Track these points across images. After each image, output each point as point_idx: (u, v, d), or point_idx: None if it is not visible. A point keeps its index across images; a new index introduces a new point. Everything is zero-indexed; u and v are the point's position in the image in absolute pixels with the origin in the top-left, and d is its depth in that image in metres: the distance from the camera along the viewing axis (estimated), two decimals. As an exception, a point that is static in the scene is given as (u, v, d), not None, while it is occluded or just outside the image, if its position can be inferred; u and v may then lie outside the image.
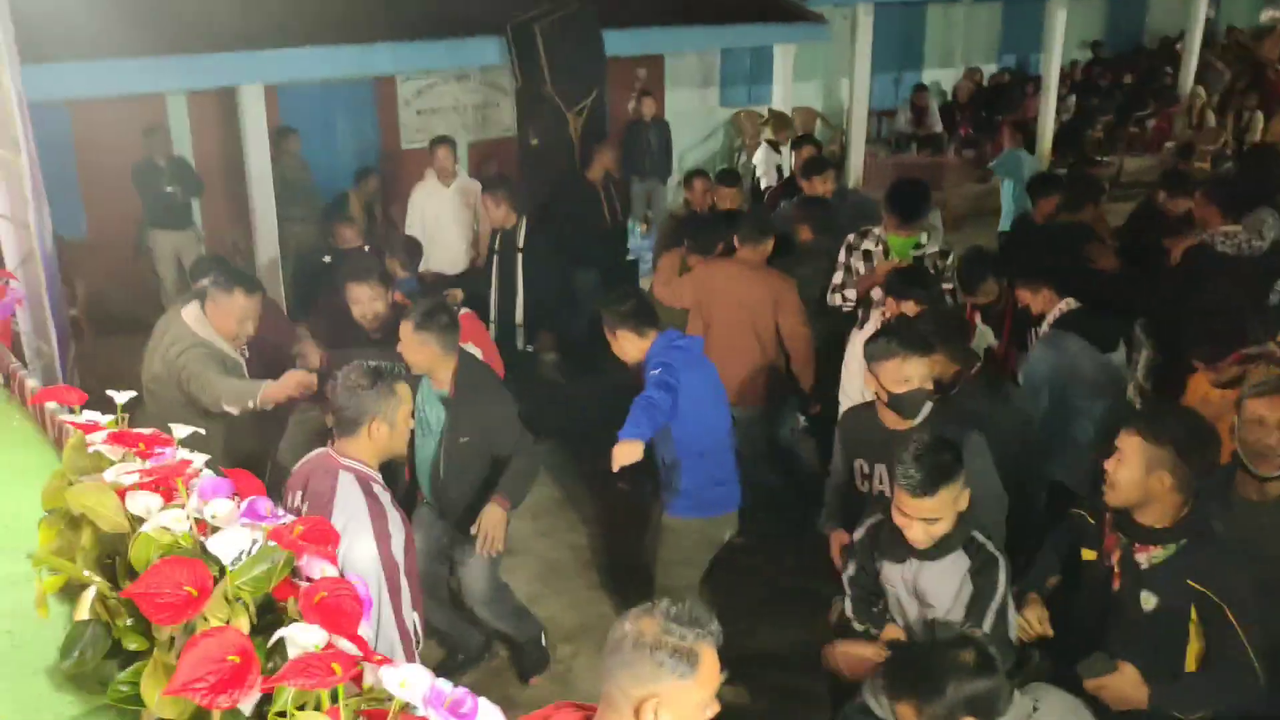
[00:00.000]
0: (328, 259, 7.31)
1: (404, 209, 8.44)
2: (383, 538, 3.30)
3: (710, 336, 5.60)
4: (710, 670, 2.18)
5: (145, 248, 9.18)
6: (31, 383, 3.53)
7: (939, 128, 14.62)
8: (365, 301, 5.15)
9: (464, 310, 5.36)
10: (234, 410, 4.09)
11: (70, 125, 9.28)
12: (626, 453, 3.98)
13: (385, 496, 3.40)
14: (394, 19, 8.72)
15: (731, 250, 6.02)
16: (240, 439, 4.39)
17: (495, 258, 6.90)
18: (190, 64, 7.64)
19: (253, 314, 4.34)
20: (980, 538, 3.42)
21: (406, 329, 4.42)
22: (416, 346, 4.42)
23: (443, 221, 7.86)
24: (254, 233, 8.56)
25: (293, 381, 4.01)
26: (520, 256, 6.81)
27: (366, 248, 7.29)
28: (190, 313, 4.26)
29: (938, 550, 3.40)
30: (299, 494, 3.46)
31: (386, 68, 9.53)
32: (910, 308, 4.97)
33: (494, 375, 4.87)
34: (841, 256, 6.15)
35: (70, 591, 2.17)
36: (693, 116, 12.77)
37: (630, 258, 8.90)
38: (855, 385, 5.00)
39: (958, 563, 3.40)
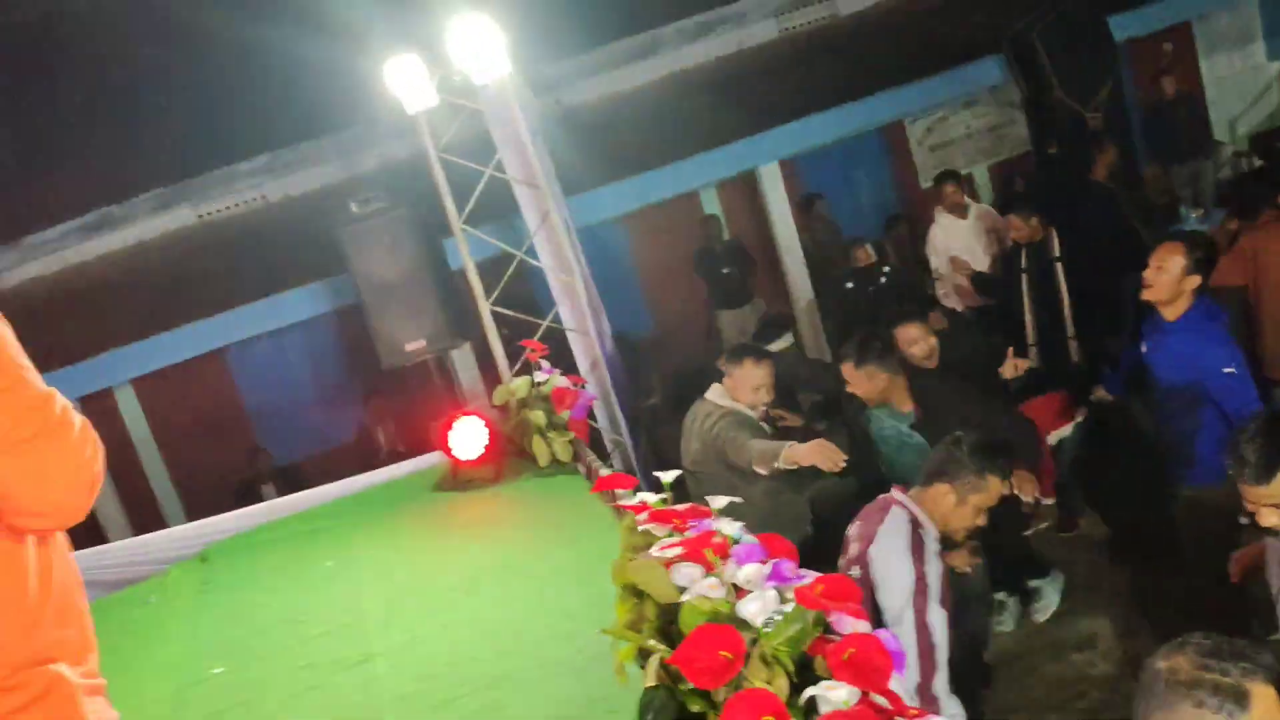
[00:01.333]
0: (850, 284, 7.77)
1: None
2: (918, 558, 3.33)
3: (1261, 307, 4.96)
4: (1267, 710, 1.85)
5: (714, 329, 9.93)
6: (604, 473, 3.99)
7: None
8: (920, 339, 5.21)
9: None
10: (764, 471, 4.28)
11: (627, 237, 10.43)
12: None
13: (934, 546, 3.40)
14: (892, 66, 8.81)
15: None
16: (786, 503, 4.59)
17: (1025, 275, 6.59)
18: (715, 157, 8.34)
19: (765, 381, 4.57)
20: None
21: (848, 370, 4.50)
22: (865, 381, 4.52)
23: (963, 255, 7.69)
24: (790, 297, 8.98)
25: (815, 450, 4.10)
26: (1059, 267, 6.44)
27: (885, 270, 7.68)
28: (714, 391, 4.60)
29: None
30: (857, 524, 3.55)
31: (893, 113, 9.63)
32: None
33: (944, 377, 4.82)
34: None
35: (643, 658, 2.41)
36: (1237, 80, 11.37)
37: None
38: None
39: None
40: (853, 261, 8.23)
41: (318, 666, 3.26)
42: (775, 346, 5.73)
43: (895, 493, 3.54)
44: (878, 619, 3.29)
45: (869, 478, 4.59)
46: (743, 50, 10.06)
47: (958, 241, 7.68)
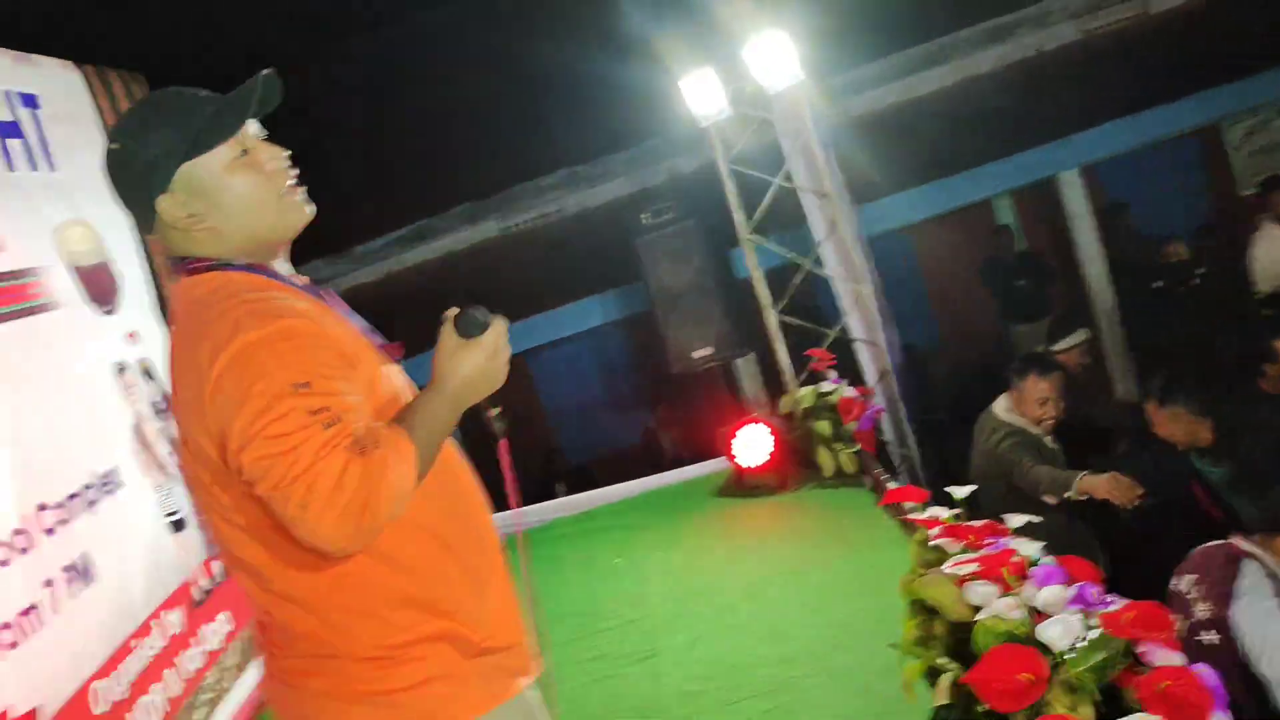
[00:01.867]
0: (1160, 283, 7.37)
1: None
2: None
3: None
4: None
5: (1007, 343, 9.50)
6: (892, 486, 3.93)
7: None
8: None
9: None
10: (1053, 501, 4.05)
11: (914, 247, 10.20)
12: None
13: None
14: (1208, 64, 8.16)
15: None
16: (1078, 532, 4.33)
17: None
18: (1010, 165, 8.02)
19: (1051, 394, 4.32)
20: None
21: (1152, 408, 4.10)
22: (1169, 422, 4.08)
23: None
24: (1093, 310, 8.49)
25: (1110, 484, 3.86)
26: None
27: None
28: (1001, 404, 4.39)
29: None
30: (1190, 578, 3.04)
31: (1206, 116, 8.93)
32: None
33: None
34: None
35: (932, 676, 2.36)
36: None
37: None
38: None
39: None
40: (1164, 259, 7.66)
41: (607, 658, 3.40)
42: (1067, 343, 5.40)
43: (1240, 541, 3.01)
44: (1249, 690, 2.96)
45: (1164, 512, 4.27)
46: (1042, 53, 9.62)
47: None
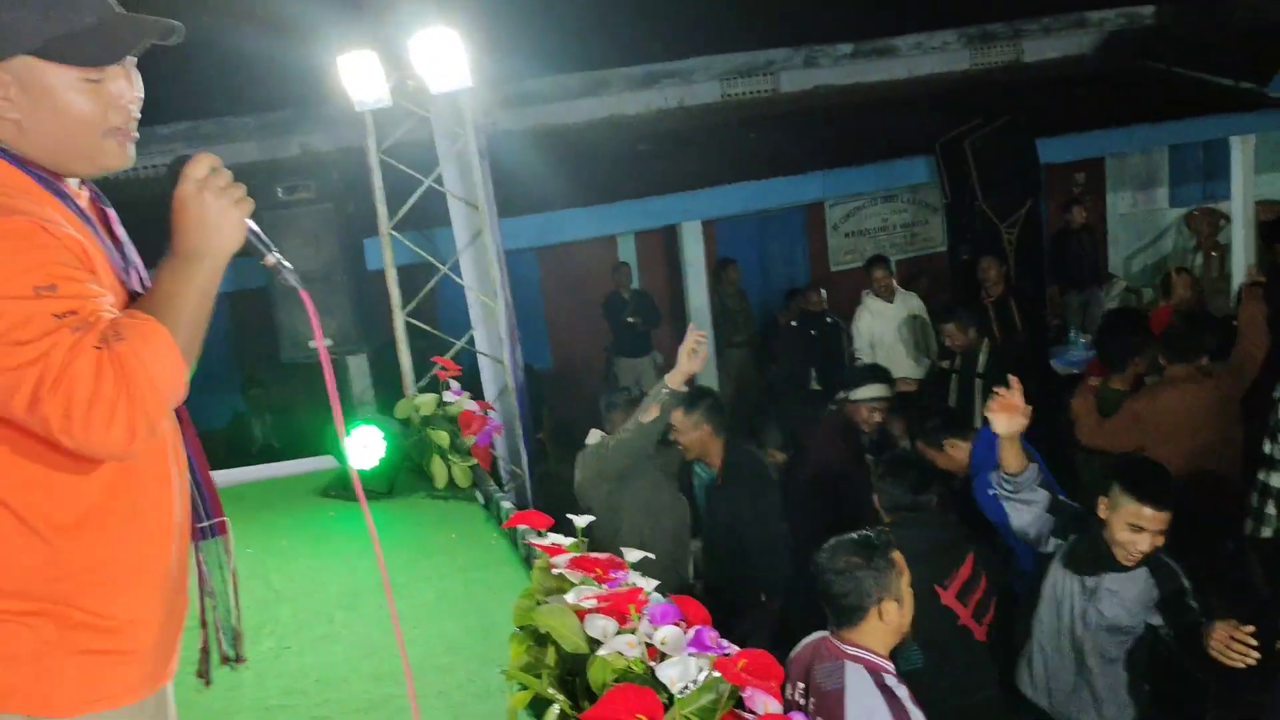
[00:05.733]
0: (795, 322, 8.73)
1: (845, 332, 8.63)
2: None
3: None
4: None
5: (611, 374, 9.90)
6: (506, 505, 3.92)
7: None
8: (864, 414, 5.63)
9: None
10: (655, 414, 4.16)
11: (537, 268, 10.38)
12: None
13: (902, 690, 2.84)
14: (823, 149, 9.01)
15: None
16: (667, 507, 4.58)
17: (955, 378, 6.75)
18: (640, 207, 8.40)
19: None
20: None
21: (678, 415, 4.51)
22: (690, 429, 4.62)
23: (887, 339, 7.90)
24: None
25: (687, 357, 4.08)
26: (979, 382, 6.56)
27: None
28: (593, 437, 4.58)
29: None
30: (800, 686, 2.98)
31: (817, 194, 9.85)
32: None
33: (764, 468, 4.98)
34: None
35: (537, 706, 2.34)
36: (1139, 219, 11.98)
37: (1074, 371, 8.37)
38: None
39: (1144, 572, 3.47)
40: (803, 303, 9.07)
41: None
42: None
43: (835, 642, 2.93)
44: None
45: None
46: (685, 107, 10.20)
47: (883, 325, 7.86)
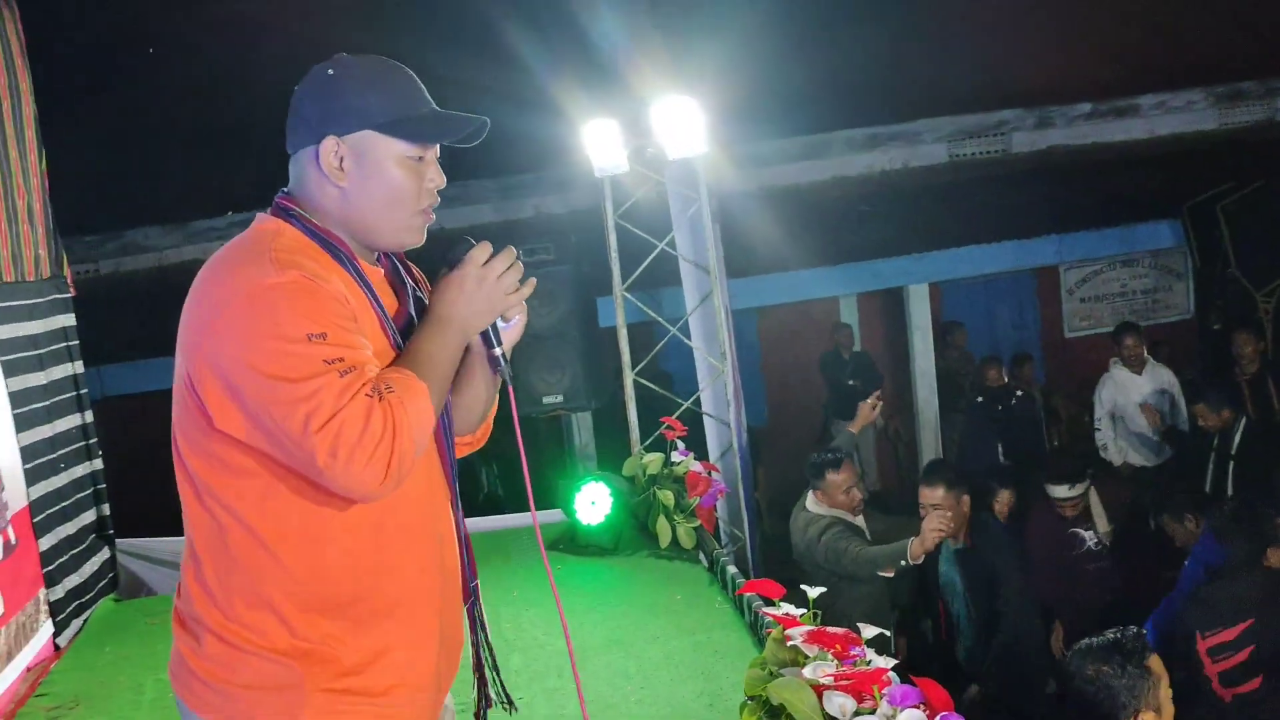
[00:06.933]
0: (980, 399, 8.07)
1: (1074, 400, 8.24)
2: None
3: None
4: None
5: (828, 434, 9.77)
6: (732, 569, 3.92)
7: None
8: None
9: None
10: (889, 574, 4.25)
11: (757, 326, 10.42)
12: None
13: None
14: (1057, 210, 8.70)
15: None
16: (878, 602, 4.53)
17: (1214, 456, 6.31)
18: (864, 269, 8.34)
19: (851, 481, 4.60)
20: None
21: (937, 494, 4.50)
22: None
23: (1130, 412, 7.43)
24: (917, 421, 8.84)
25: (934, 523, 4.11)
26: (1232, 464, 6.14)
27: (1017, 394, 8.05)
28: (810, 500, 4.60)
29: None
30: None
31: (1050, 257, 9.51)
32: None
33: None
34: None
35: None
36: None
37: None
38: None
39: None
40: (985, 380, 8.36)
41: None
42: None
43: None
44: None
45: None
46: (909, 168, 10.05)
47: (1129, 397, 7.42)
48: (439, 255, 1.80)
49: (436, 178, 1.73)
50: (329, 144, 1.67)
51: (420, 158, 1.70)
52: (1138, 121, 10.29)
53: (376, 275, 1.77)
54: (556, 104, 5.41)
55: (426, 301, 1.81)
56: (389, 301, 1.78)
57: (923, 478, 4.78)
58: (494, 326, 1.80)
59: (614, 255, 5.19)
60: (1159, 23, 8.44)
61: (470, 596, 1.92)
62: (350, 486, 1.53)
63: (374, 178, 1.68)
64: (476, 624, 1.94)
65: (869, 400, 5.33)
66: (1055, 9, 8.09)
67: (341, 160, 1.67)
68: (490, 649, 2.00)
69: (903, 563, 4.22)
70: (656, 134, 4.69)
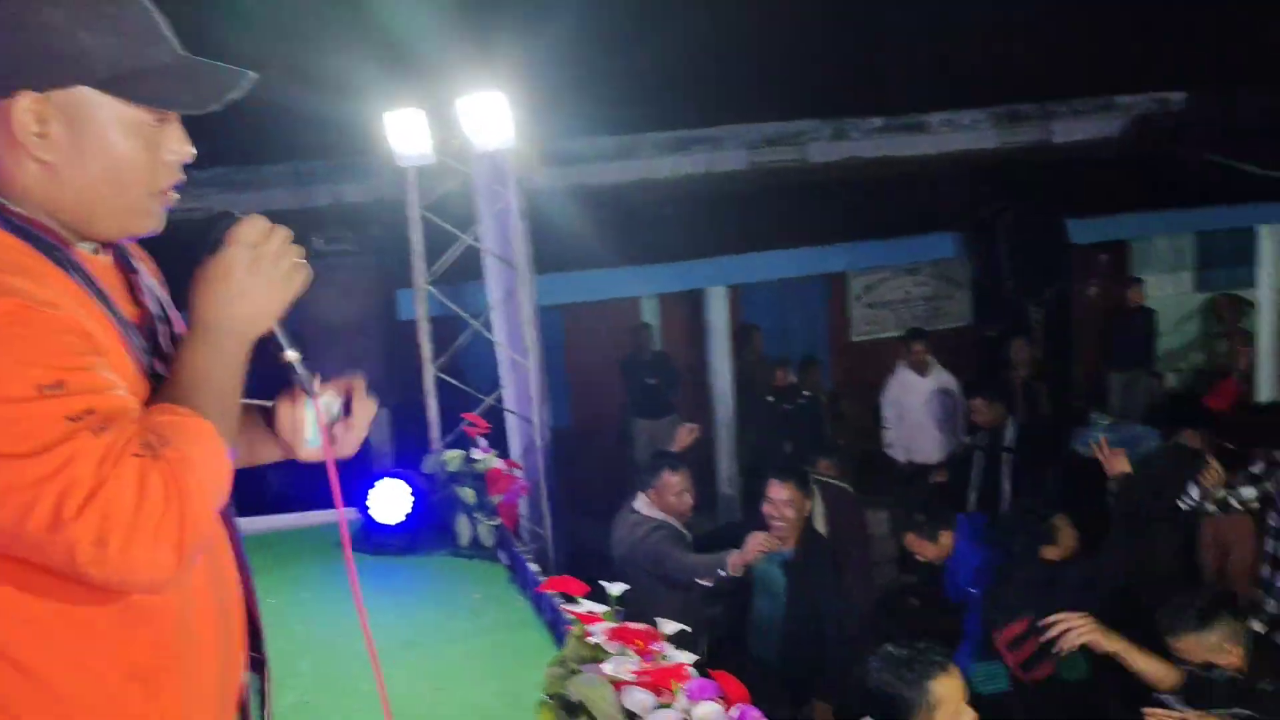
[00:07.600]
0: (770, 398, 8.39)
1: (859, 401, 8.61)
2: None
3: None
4: None
5: (629, 435, 9.86)
6: (534, 567, 3.89)
7: None
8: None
9: None
10: (707, 583, 4.32)
11: (563, 324, 10.40)
12: None
13: None
14: (848, 220, 9.07)
15: None
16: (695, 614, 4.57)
17: (979, 454, 6.70)
18: (666, 270, 8.47)
19: (685, 485, 4.63)
20: None
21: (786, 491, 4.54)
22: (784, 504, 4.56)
23: (915, 413, 7.87)
24: (714, 420, 9.05)
25: (755, 541, 4.19)
26: (1008, 458, 6.54)
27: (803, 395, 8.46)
28: (640, 501, 4.62)
29: None
30: None
31: (841, 265, 9.89)
32: None
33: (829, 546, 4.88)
34: None
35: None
36: (1163, 303, 11.99)
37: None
38: None
39: None
40: (773, 380, 8.82)
41: None
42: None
43: None
44: None
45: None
46: (711, 173, 10.28)
47: (913, 398, 7.84)
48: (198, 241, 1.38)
49: (179, 148, 1.33)
50: (24, 102, 1.23)
51: (159, 120, 1.30)
52: (925, 138, 10.87)
53: (103, 268, 1.37)
54: (357, 88, 5.25)
55: (165, 298, 1.43)
56: (127, 308, 1.37)
57: (774, 473, 4.74)
58: (281, 323, 1.40)
59: (417, 247, 5.08)
60: (950, 43, 8.95)
61: (253, 666, 1.56)
62: (131, 579, 1.15)
63: (90, 150, 1.26)
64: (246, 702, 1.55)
65: (686, 427, 5.48)
66: (855, 23, 8.42)
67: (44, 125, 1.24)
68: None
69: (721, 573, 4.27)
70: (464, 126, 4.60)
